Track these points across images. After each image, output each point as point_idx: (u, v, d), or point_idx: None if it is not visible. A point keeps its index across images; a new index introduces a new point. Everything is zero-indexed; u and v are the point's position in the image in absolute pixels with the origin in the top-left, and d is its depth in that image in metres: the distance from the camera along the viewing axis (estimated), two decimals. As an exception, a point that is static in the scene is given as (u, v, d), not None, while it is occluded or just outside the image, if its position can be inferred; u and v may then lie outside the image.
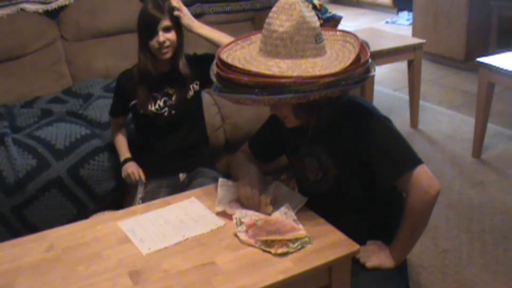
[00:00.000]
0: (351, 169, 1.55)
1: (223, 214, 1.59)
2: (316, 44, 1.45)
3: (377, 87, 3.96)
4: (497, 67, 2.94)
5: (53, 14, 2.99)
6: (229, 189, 1.66)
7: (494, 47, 4.60)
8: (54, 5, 2.98)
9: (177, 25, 1.98)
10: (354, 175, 1.56)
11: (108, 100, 2.41)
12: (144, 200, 2.02)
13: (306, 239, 1.43)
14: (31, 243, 1.53)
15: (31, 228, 2.15)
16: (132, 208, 1.75)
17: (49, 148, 2.25)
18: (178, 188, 2.07)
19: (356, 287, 1.49)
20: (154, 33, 1.94)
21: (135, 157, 2.18)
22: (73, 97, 2.76)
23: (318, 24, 1.46)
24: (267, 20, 1.45)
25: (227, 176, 1.79)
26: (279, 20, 1.42)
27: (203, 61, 2.00)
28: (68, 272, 1.38)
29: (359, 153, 1.51)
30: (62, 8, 3.00)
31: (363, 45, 1.52)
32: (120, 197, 2.35)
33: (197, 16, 2.87)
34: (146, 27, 1.96)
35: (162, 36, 1.94)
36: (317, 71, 1.39)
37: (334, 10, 3.69)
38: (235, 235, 1.48)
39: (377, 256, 1.55)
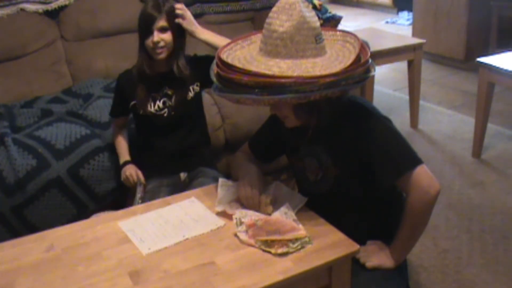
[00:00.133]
0: (351, 169, 1.55)
1: (223, 214, 1.59)
2: (316, 44, 1.45)
3: (377, 87, 3.96)
4: (497, 67, 2.94)
5: (53, 14, 2.99)
6: (229, 189, 1.65)
7: (494, 47, 4.60)
8: (54, 5, 2.98)
9: (175, 27, 1.98)
10: (354, 175, 1.56)
11: (108, 100, 2.41)
12: (143, 200, 2.01)
13: (306, 239, 1.43)
14: (31, 243, 1.52)
15: (31, 228, 2.15)
16: (132, 208, 1.75)
17: (49, 148, 2.25)
18: (179, 187, 2.07)
19: (356, 287, 1.49)
20: (150, 32, 1.94)
21: (136, 157, 2.18)
22: (73, 97, 2.76)
23: (318, 24, 1.46)
24: (267, 20, 1.45)
25: (228, 176, 1.79)
26: (279, 20, 1.42)
27: (203, 63, 1.98)
28: (68, 272, 1.38)
29: (359, 153, 1.51)
30: (62, 8, 2.99)
31: (363, 45, 1.52)
32: (120, 197, 2.35)
33: (197, 16, 2.87)
34: (143, 26, 1.97)
35: (156, 36, 1.94)
36: (317, 71, 1.39)
37: (334, 10, 3.69)
38: (235, 235, 1.48)
39: (377, 256, 1.55)
